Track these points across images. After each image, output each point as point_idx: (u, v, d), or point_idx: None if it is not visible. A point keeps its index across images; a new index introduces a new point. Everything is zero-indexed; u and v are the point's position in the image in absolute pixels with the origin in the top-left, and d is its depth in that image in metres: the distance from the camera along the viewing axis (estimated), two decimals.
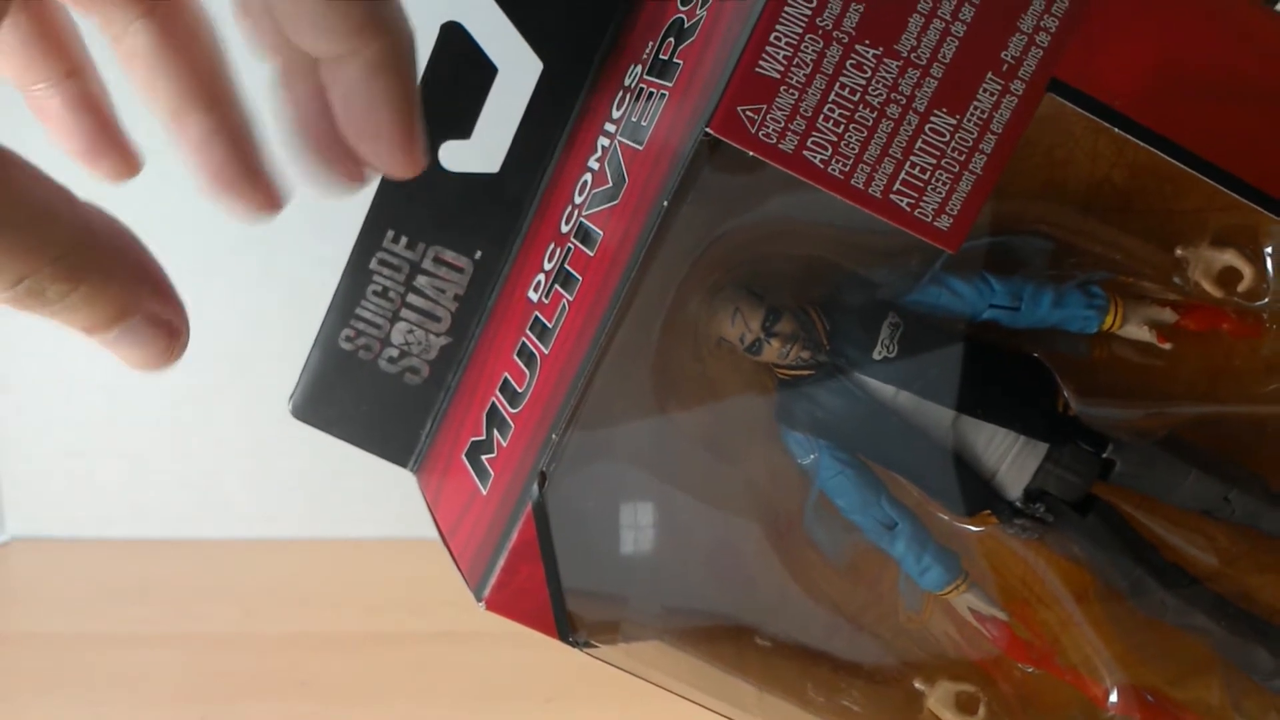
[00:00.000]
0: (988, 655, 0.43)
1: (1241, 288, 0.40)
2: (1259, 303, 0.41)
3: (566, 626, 0.38)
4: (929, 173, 0.34)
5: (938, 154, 0.34)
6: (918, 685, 0.43)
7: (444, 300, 0.45)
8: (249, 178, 0.43)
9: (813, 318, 0.40)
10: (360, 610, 0.70)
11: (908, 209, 0.34)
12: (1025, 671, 0.43)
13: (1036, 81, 0.34)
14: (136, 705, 0.62)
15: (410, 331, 0.45)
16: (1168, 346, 0.41)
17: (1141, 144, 0.34)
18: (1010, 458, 0.40)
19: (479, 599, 0.38)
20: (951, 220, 0.34)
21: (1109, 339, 0.41)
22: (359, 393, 0.46)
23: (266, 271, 0.74)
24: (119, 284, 0.34)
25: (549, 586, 0.38)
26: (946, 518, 0.42)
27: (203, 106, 0.42)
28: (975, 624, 0.42)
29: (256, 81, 0.40)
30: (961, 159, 0.34)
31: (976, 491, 0.41)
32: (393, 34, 0.34)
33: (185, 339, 0.37)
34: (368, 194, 0.45)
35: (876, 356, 0.39)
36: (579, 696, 0.62)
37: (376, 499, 0.77)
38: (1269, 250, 0.41)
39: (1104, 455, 0.41)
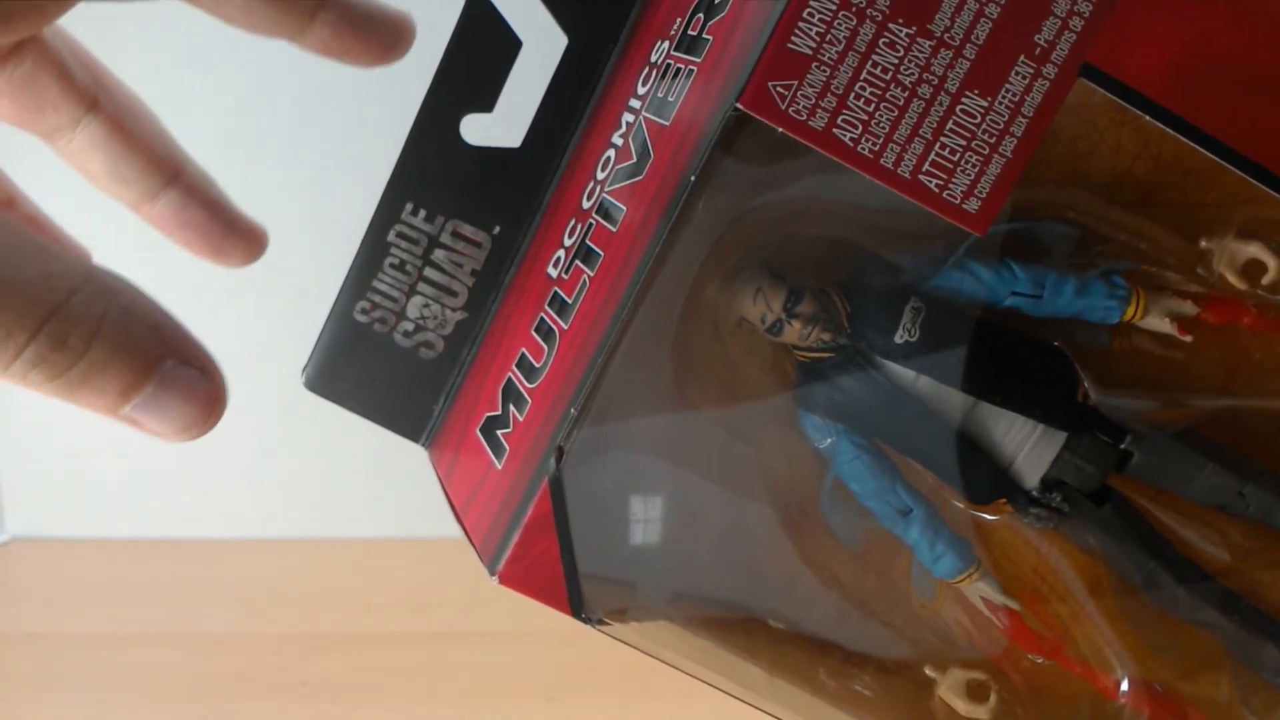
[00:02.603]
0: (998, 645, 0.42)
1: (1266, 280, 0.40)
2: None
3: (580, 602, 0.37)
4: (959, 154, 0.33)
5: (968, 136, 0.33)
6: (929, 672, 0.42)
7: (461, 275, 0.44)
8: (231, 229, 0.45)
9: (834, 300, 0.39)
10: (360, 610, 0.69)
11: (936, 190, 0.33)
12: (1035, 662, 0.42)
13: (1069, 66, 0.32)
14: (136, 705, 0.61)
15: (426, 306, 0.44)
16: (1188, 339, 0.40)
17: (1170, 132, 0.33)
18: (1028, 446, 0.39)
19: (492, 573, 0.36)
20: (980, 203, 0.33)
21: (1129, 330, 0.40)
22: (373, 366, 0.45)
23: (267, 272, 0.72)
24: (133, 342, 0.31)
25: (563, 561, 0.36)
26: (961, 505, 0.41)
27: (168, 178, 0.43)
28: (987, 613, 0.41)
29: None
30: (992, 141, 0.33)
31: (993, 479, 0.40)
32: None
33: (222, 399, 0.34)
34: (378, 184, 0.44)
35: (898, 340, 0.38)
36: (579, 696, 0.61)
37: (376, 499, 0.77)
38: None
39: (1122, 446, 0.40)
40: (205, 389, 0.33)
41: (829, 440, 0.40)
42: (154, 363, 0.32)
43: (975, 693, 0.42)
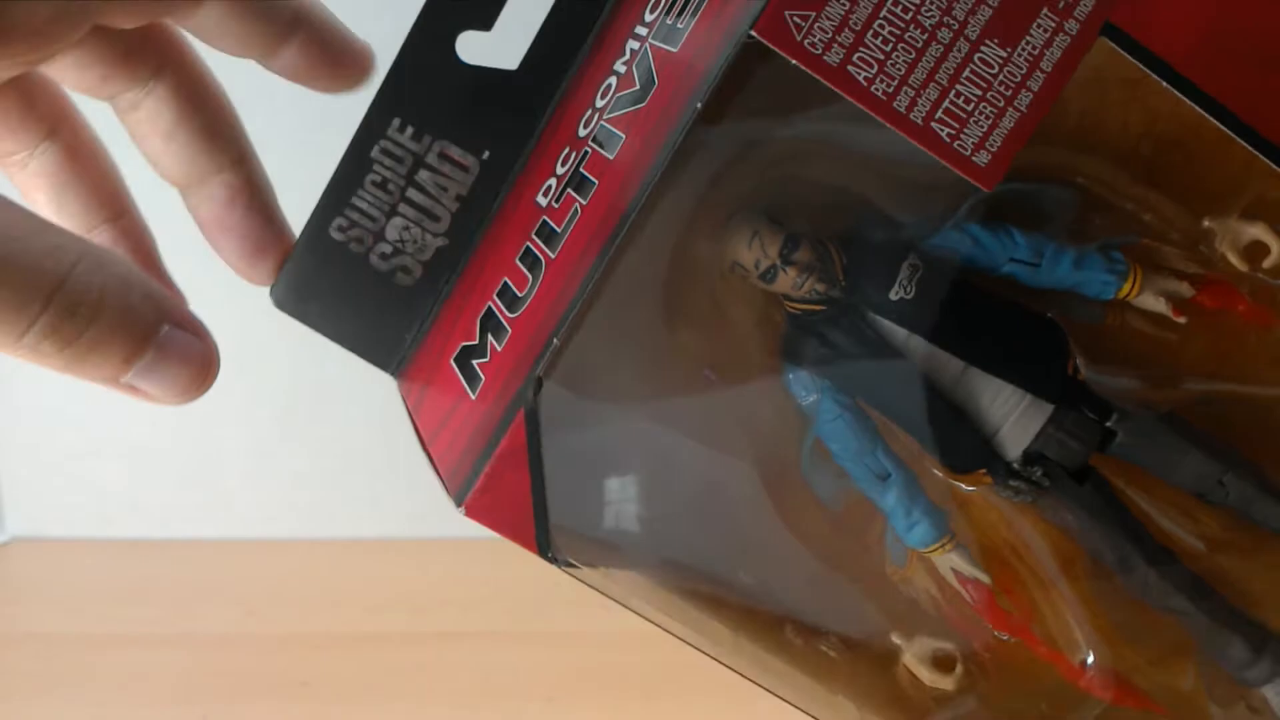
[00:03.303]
0: (967, 618, 0.41)
1: (1268, 263, 0.39)
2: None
3: (547, 542, 0.36)
4: (973, 104, 0.32)
5: (984, 86, 0.32)
6: (895, 639, 0.41)
7: (445, 199, 0.42)
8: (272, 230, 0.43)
9: (831, 251, 0.38)
10: (360, 610, 0.69)
11: (947, 139, 0.32)
12: (1002, 639, 0.42)
13: (1091, 22, 0.32)
14: (136, 705, 0.60)
15: (406, 229, 0.42)
16: (1182, 320, 0.39)
17: (1184, 99, 0.33)
18: (1014, 417, 0.38)
19: (459, 504, 0.35)
20: (990, 157, 0.32)
21: (1124, 307, 0.40)
22: (345, 288, 0.43)
23: None
24: (132, 309, 0.32)
25: (533, 498, 0.35)
26: (940, 474, 0.40)
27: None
28: (957, 586, 0.40)
29: None
30: (1008, 94, 0.32)
31: (975, 448, 0.39)
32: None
33: (216, 361, 0.36)
34: None
35: (893, 297, 0.37)
36: (579, 696, 0.60)
37: (376, 499, 0.76)
38: None
39: (1107, 424, 0.39)
40: (200, 351, 0.35)
41: (813, 397, 0.39)
42: (152, 329, 0.33)
43: (941, 663, 0.41)
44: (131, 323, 0.32)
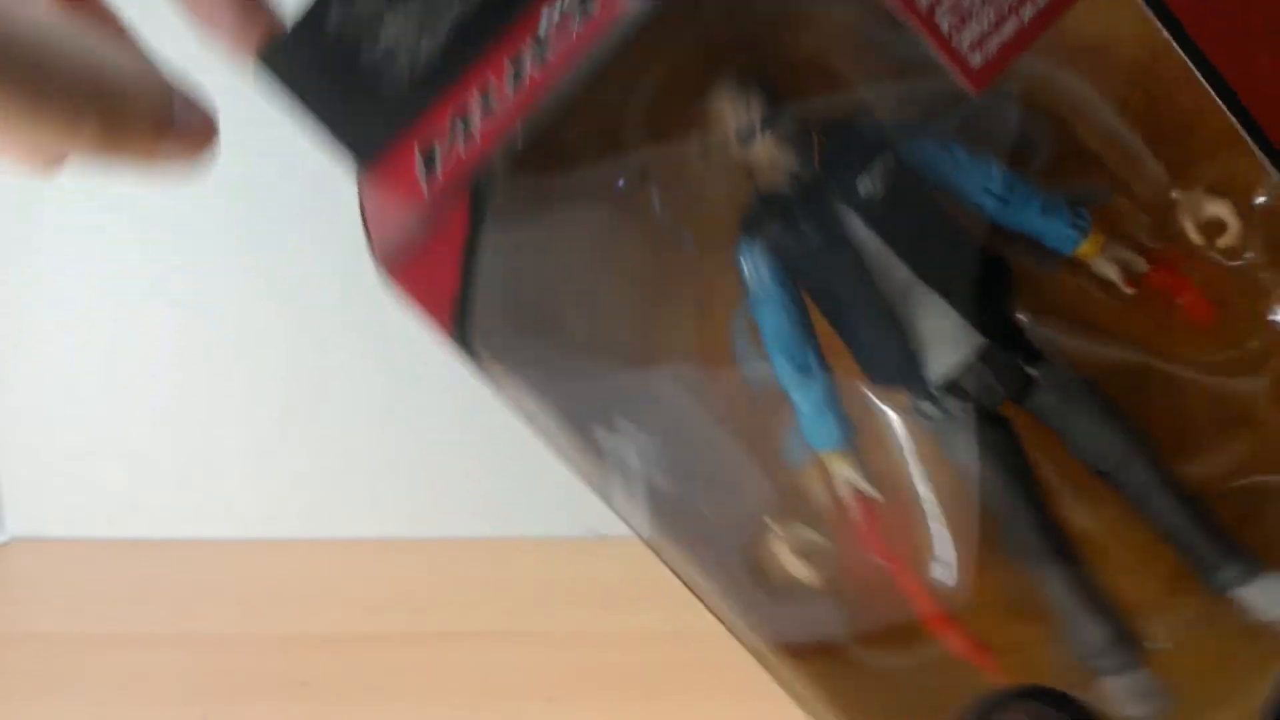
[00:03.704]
0: (848, 533, 0.41)
1: (1222, 242, 0.39)
2: (1234, 262, 0.40)
3: (465, 326, 0.37)
4: (978, 3, 0.32)
5: None
6: (768, 521, 0.41)
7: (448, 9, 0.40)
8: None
9: (812, 135, 0.38)
10: (360, 610, 0.68)
11: (946, 32, 0.32)
12: (874, 561, 0.42)
13: None
14: (136, 705, 0.60)
15: (402, 30, 0.40)
16: (1131, 291, 0.40)
17: (1180, 54, 0.33)
18: (946, 342, 0.39)
19: (389, 271, 0.36)
20: (983, 60, 0.33)
21: (1079, 266, 0.40)
22: (332, 66, 0.41)
23: (267, 272, 0.72)
24: (151, 82, 0.34)
25: (461, 280, 0.36)
26: (861, 386, 0.41)
27: None
28: (845, 499, 0.41)
29: None
30: (1013, 2, 0.32)
31: (901, 364, 0.39)
32: None
33: (217, 122, 0.36)
34: None
35: (861, 190, 0.38)
36: (579, 696, 0.60)
37: (376, 499, 0.75)
38: (1259, 200, 0.39)
39: (1030, 371, 0.39)
40: (206, 115, 0.36)
41: (761, 272, 0.39)
42: (169, 97, 0.34)
43: (809, 556, 0.41)
44: (153, 91, 0.34)
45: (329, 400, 0.73)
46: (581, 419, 0.40)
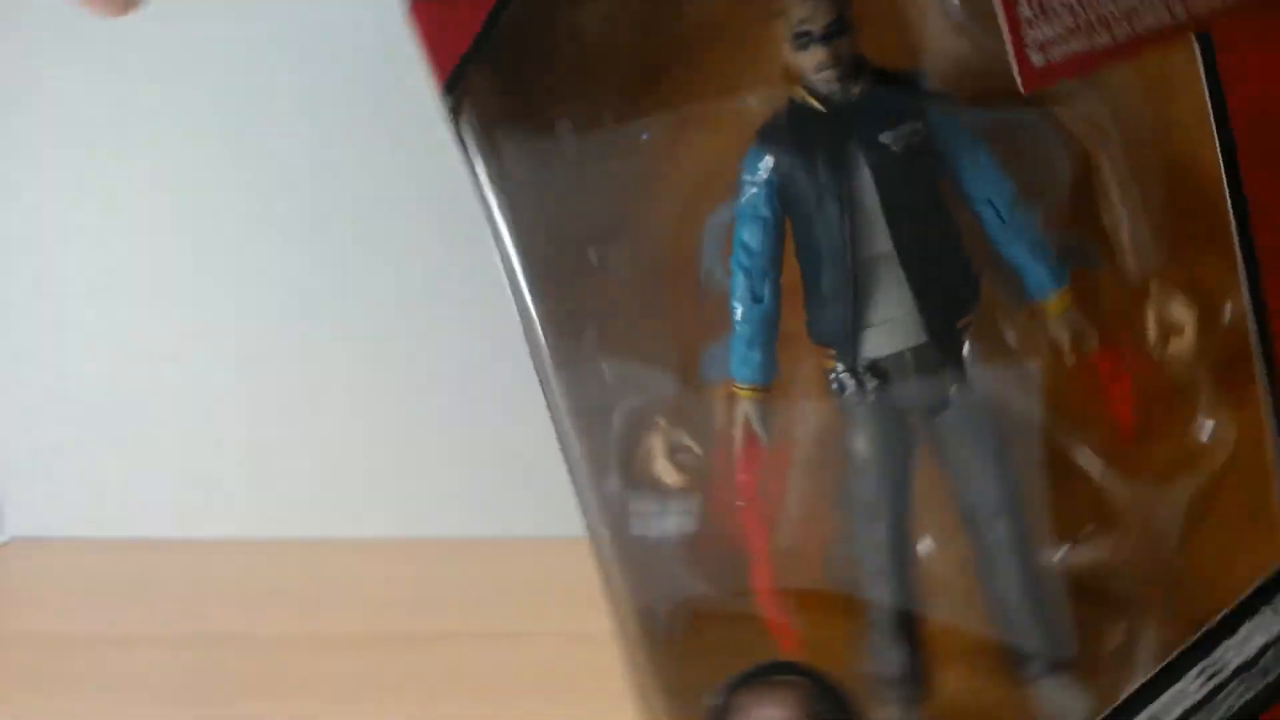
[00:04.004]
0: (724, 464, 0.41)
1: (1173, 348, 0.40)
2: (1177, 369, 0.40)
3: (459, 76, 0.36)
4: (1065, 8, 0.32)
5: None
6: (658, 418, 0.42)
7: None
8: None
9: (865, 68, 0.38)
10: (360, 610, 0.68)
11: (1022, 19, 0.32)
12: (737, 504, 0.42)
13: (1196, 17, 0.33)
14: (136, 705, 0.60)
15: None
16: (1070, 362, 0.40)
17: (1216, 143, 0.33)
18: (890, 327, 0.39)
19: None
20: (1044, 62, 0.33)
21: (1036, 314, 0.40)
22: None
23: (267, 272, 0.72)
24: None
25: (477, 40, 0.36)
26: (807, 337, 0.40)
27: None
28: (738, 433, 0.41)
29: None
30: (1093, 20, 0.32)
31: (842, 328, 0.39)
32: None
33: None
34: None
35: (882, 140, 0.38)
36: (580, 696, 0.59)
37: (377, 499, 0.75)
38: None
39: (951, 389, 0.40)
40: None
41: (757, 180, 0.39)
42: None
43: (678, 461, 0.41)
44: None
45: (329, 400, 0.73)
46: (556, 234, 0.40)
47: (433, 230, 0.69)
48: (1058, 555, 0.42)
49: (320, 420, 0.74)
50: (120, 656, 0.64)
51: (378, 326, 0.72)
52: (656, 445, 0.41)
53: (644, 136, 0.40)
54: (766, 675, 0.41)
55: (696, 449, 0.41)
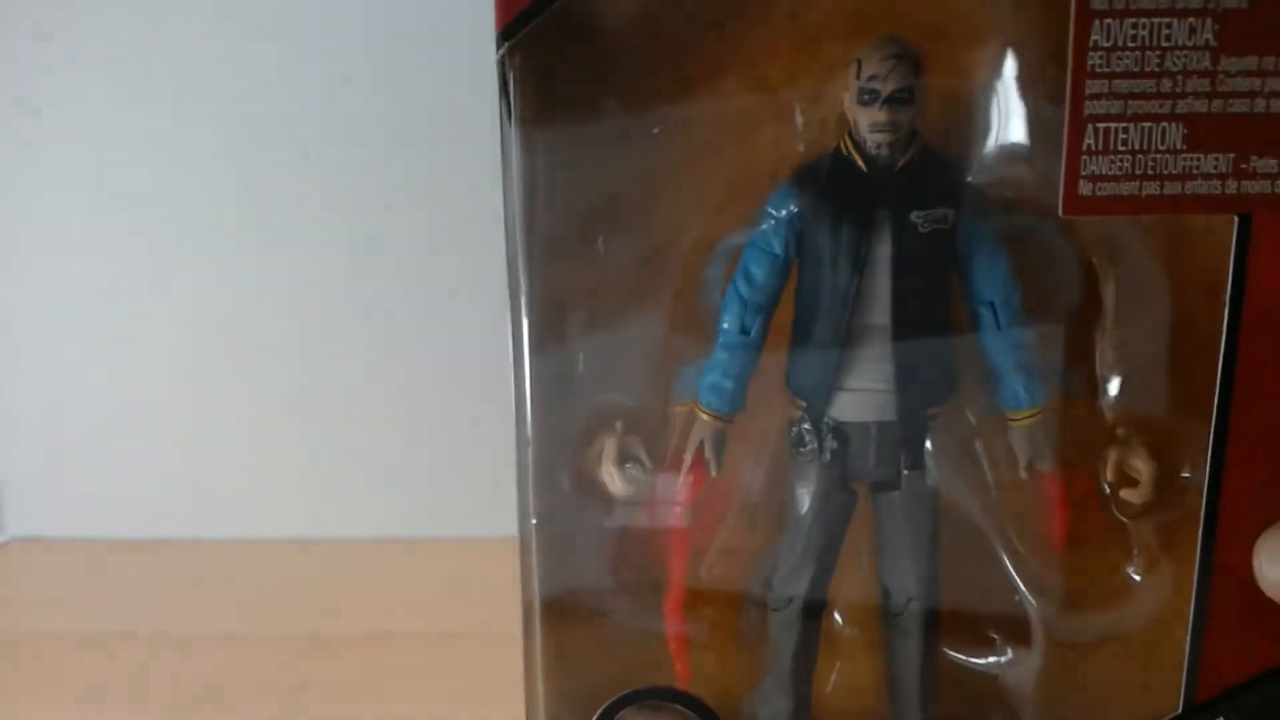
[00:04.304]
0: (668, 482, 0.42)
1: (1125, 494, 0.41)
2: (1122, 516, 0.41)
3: (515, 34, 0.36)
4: (1126, 149, 0.33)
5: (1145, 147, 0.33)
6: (617, 423, 0.42)
7: None
8: None
9: (920, 142, 0.38)
10: (360, 610, 0.68)
11: (1083, 147, 0.33)
12: (674, 522, 0.43)
13: (1245, 197, 0.33)
14: (136, 705, 0.59)
15: None
16: (1022, 477, 0.41)
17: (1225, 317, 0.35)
18: (866, 394, 0.39)
19: None
20: (1090, 191, 0.33)
21: (1002, 422, 0.41)
22: None
23: (267, 272, 0.72)
24: None
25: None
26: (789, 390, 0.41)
27: None
28: (689, 456, 0.41)
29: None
30: (1150, 169, 0.33)
31: (816, 385, 0.40)
32: None
33: None
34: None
35: (913, 217, 0.38)
36: None
37: (377, 499, 0.75)
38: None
39: (904, 470, 0.40)
40: None
41: (777, 216, 0.39)
42: None
43: (627, 473, 0.41)
44: None
45: (330, 401, 0.73)
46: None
47: (433, 231, 0.69)
48: (957, 654, 0.44)
49: (320, 421, 0.74)
50: (120, 656, 0.64)
51: (378, 327, 0.72)
52: (609, 449, 0.41)
53: (655, 131, 0.40)
54: (654, 699, 0.42)
55: (647, 463, 0.41)
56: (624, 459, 0.41)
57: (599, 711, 0.42)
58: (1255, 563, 0.36)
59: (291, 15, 0.67)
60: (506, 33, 0.36)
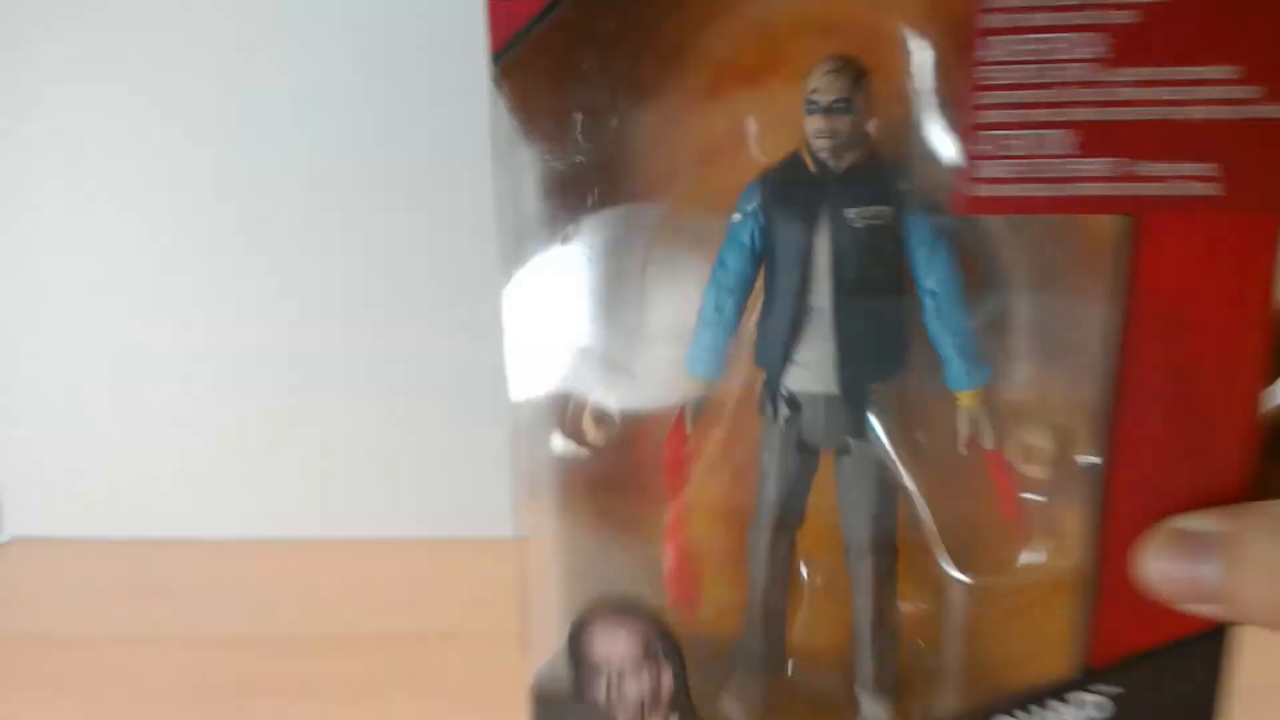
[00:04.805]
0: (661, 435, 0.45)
1: (1025, 462, 0.43)
2: (1024, 492, 0.43)
3: (507, 53, 0.39)
4: (1017, 155, 0.34)
5: (1037, 151, 0.34)
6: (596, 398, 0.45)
7: None
8: None
9: (863, 150, 0.41)
10: (360, 610, 0.68)
11: (983, 150, 0.34)
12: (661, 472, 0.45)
13: (1132, 199, 0.34)
14: (136, 705, 0.60)
15: None
16: (964, 452, 0.43)
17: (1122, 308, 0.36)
18: (812, 367, 0.43)
19: None
20: (979, 197, 0.35)
21: (948, 400, 0.43)
22: None
23: (267, 272, 0.72)
24: None
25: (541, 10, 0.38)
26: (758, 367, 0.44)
27: None
28: (671, 418, 0.44)
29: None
30: (1038, 173, 0.34)
31: (776, 358, 0.43)
32: None
33: None
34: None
35: (847, 214, 0.41)
36: None
37: (376, 499, 0.75)
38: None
39: (850, 439, 0.43)
40: None
41: (748, 209, 0.43)
42: None
43: (598, 419, 0.45)
44: None
45: (330, 401, 0.73)
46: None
47: (432, 231, 0.69)
48: (905, 605, 0.46)
49: (320, 421, 0.74)
50: (120, 656, 0.64)
51: (378, 328, 0.72)
52: (589, 410, 0.45)
53: (613, 123, 0.43)
54: (623, 608, 0.45)
55: (612, 413, 0.45)
56: (598, 416, 0.45)
57: (580, 612, 0.46)
58: (1136, 562, 0.37)
59: (291, 16, 0.67)
60: (500, 52, 0.38)
